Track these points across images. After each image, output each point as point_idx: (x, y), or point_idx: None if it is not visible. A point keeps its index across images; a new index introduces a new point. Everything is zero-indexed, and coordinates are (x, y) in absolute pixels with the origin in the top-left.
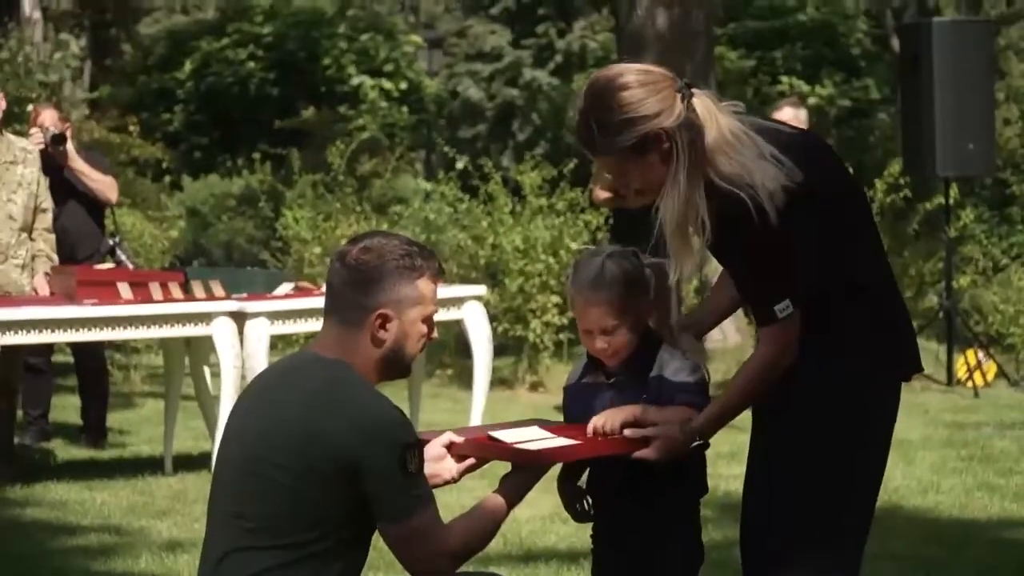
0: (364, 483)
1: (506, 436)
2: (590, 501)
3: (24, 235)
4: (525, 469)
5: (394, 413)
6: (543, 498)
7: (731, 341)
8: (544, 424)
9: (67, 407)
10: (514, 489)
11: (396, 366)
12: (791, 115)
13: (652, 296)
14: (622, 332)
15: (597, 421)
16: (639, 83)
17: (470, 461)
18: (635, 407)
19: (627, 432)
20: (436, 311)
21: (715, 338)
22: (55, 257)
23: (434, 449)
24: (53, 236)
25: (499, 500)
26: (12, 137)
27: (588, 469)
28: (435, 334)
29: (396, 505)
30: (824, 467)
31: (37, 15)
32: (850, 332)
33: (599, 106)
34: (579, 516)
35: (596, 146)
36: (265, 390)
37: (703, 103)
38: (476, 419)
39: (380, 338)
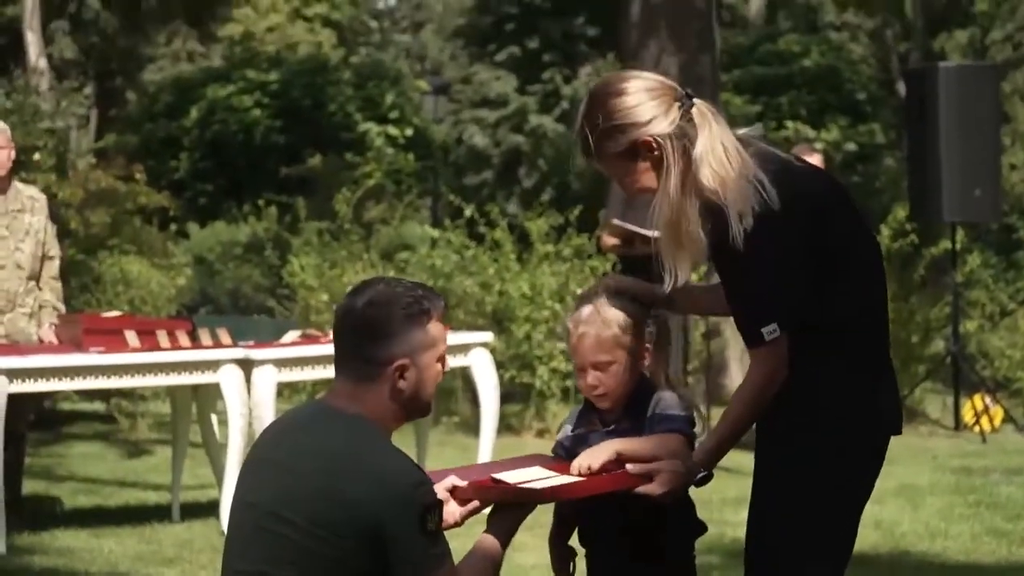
0: (385, 545)
1: (509, 477)
2: (575, 566)
3: (32, 283)
4: (513, 506)
5: (415, 474)
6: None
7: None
8: (546, 462)
9: (74, 455)
10: (506, 526)
11: (416, 409)
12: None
13: (650, 342)
14: (614, 371)
15: (581, 462)
16: (636, 90)
17: (473, 505)
18: (616, 442)
19: (630, 467)
20: (446, 350)
21: (723, 384)
22: (61, 307)
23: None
24: (60, 285)
25: (493, 541)
26: (20, 185)
27: (579, 524)
28: (447, 368)
29: (417, 566)
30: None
31: (43, 64)
32: (828, 391)
33: (595, 112)
34: None
35: (591, 151)
36: (281, 448)
37: (701, 114)
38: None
39: (399, 388)
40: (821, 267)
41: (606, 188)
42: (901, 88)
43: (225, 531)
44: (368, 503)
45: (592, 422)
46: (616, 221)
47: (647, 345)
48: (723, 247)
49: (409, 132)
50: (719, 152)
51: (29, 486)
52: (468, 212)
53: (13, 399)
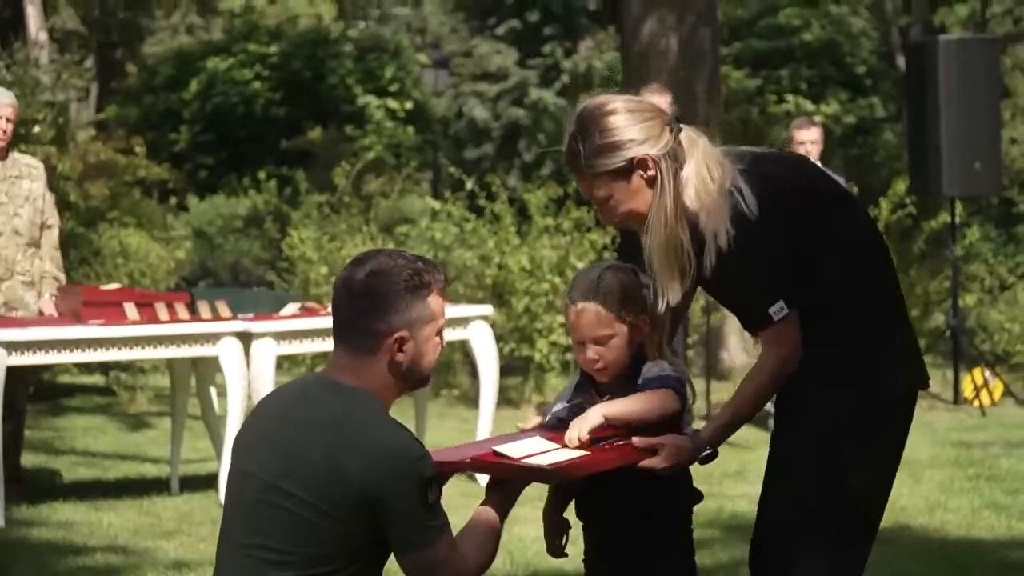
0: (385, 518)
1: (511, 450)
2: (569, 538)
3: (31, 250)
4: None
5: (415, 448)
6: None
7: (737, 361)
8: (544, 433)
9: (74, 428)
10: (505, 497)
11: (415, 381)
12: (807, 134)
13: (648, 315)
14: (615, 344)
15: (571, 434)
16: (627, 110)
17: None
18: (601, 406)
19: (635, 440)
20: (444, 324)
21: (722, 358)
22: (62, 277)
23: None
24: (59, 255)
25: (493, 514)
26: (17, 154)
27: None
28: (445, 342)
29: (416, 539)
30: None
31: (43, 36)
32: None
33: (587, 128)
34: (555, 549)
35: (582, 167)
36: (280, 420)
37: (689, 139)
38: (482, 438)
39: (398, 360)
40: (812, 252)
41: None
42: (901, 62)
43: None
44: (368, 476)
45: (590, 394)
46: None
47: (644, 317)
48: (711, 265)
49: (409, 105)
50: (703, 174)
51: (28, 459)
52: (468, 185)
53: (12, 372)
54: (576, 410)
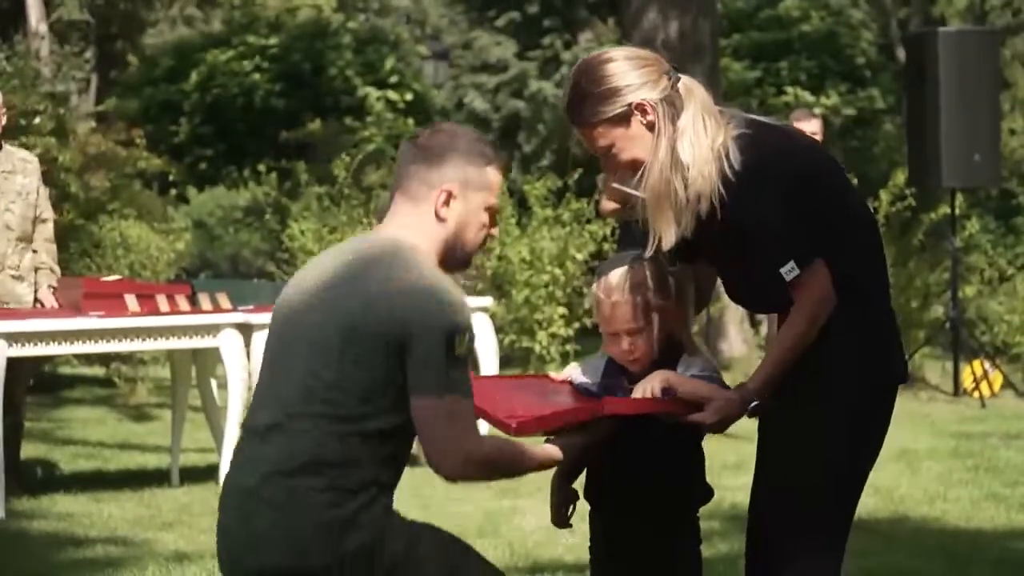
0: (410, 356)
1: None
2: (576, 509)
3: (23, 245)
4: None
5: (454, 294)
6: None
7: (736, 351)
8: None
9: (74, 419)
10: (567, 441)
11: (457, 252)
12: (806, 126)
13: (676, 298)
14: (648, 335)
15: (640, 390)
16: (625, 58)
17: None
18: (662, 372)
19: (681, 392)
20: (499, 208)
21: (721, 349)
22: (57, 269)
23: None
24: (55, 247)
25: (538, 448)
26: (11, 148)
27: (584, 473)
28: (496, 232)
29: (431, 382)
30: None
31: (43, 28)
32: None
33: (586, 79)
34: (561, 520)
35: (583, 117)
36: (328, 269)
37: (687, 88)
38: (482, 431)
39: (442, 215)
40: (811, 226)
41: None
42: (901, 53)
43: None
44: (401, 317)
45: (619, 380)
46: (615, 185)
47: (672, 301)
48: (706, 225)
49: (409, 97)
50: (699, 127)
51: (28, 450)
52: None
53: (12, 363)
54: (607, 389)
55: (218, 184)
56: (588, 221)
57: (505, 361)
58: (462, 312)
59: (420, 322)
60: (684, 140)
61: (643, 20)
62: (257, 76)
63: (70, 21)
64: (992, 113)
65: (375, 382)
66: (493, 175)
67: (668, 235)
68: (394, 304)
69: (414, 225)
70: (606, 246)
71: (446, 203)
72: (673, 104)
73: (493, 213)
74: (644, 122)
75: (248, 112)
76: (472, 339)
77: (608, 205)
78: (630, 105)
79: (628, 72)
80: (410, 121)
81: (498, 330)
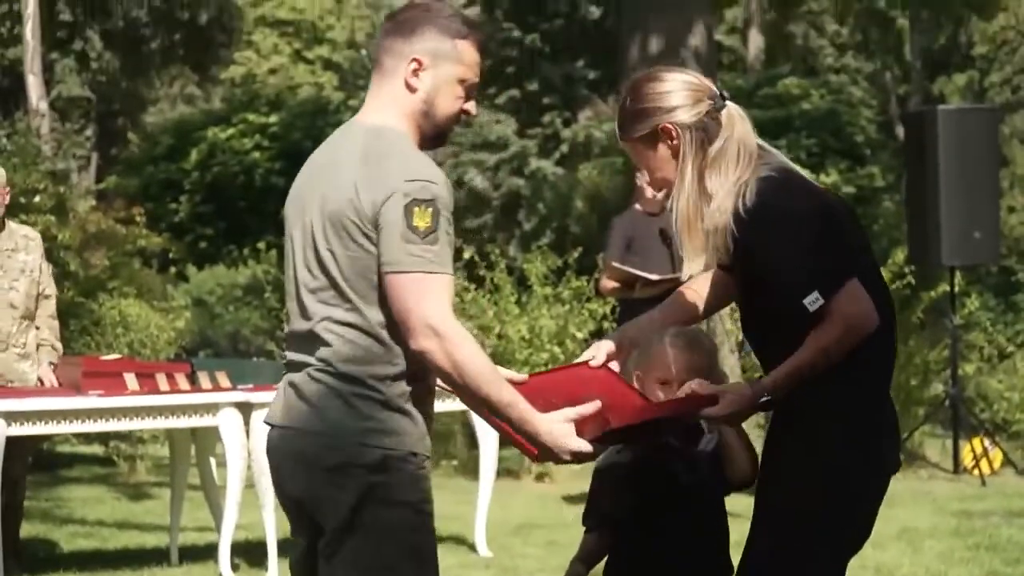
0: (378, 234)
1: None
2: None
3: (26, 323)
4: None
5: (424, 169)
6: (552, 554)
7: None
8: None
9: (73, 498)
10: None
11: (430, 123)
12: None
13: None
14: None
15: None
16: (672, 79)
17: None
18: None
19: (696, 387)
20: (476, 83)
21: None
22: (59, 346)
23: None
24: (57, 324)
25: (520, 398)
26: (15, 225)
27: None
28: (472, 108)
29: (392, 258)
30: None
31: (44, 106)
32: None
33: (630, 96)
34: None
35: (622, 131)
36: (315, 163)
37: (730, 116)
38: (483, 510)
39: (413, 85)
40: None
41: (605, 231)
42: (900, 131)
43: (223, 574)
44: (370, 198)
45: None
46: (616, 264)
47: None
48: (736, 253)
49: None
50: (729, 157)
51: (27, 529)
52: (468, 254)
53: (11, 442)
54: None
55: (218, 262)
56: (588, 299)
57: (505, 440)
58: (423, 185)
59: (381, 200)
60: (712, 170)
61: None
62: (257, 154)
63: (71, 98)
64: (992, 191)
65: (368, 267)
66: (466, 48)
67: (695, 262)
68: (366, 196)
69: (387, 98)
70: (606, 324)
71: (415, 73)
72: (705, 131)
73: (468, 89)
74: (669, 146)
75: (248, 190)
76: (437, 213)
77: (608, 283)
78: (657, 127)
79: (666, 94)
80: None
81: None
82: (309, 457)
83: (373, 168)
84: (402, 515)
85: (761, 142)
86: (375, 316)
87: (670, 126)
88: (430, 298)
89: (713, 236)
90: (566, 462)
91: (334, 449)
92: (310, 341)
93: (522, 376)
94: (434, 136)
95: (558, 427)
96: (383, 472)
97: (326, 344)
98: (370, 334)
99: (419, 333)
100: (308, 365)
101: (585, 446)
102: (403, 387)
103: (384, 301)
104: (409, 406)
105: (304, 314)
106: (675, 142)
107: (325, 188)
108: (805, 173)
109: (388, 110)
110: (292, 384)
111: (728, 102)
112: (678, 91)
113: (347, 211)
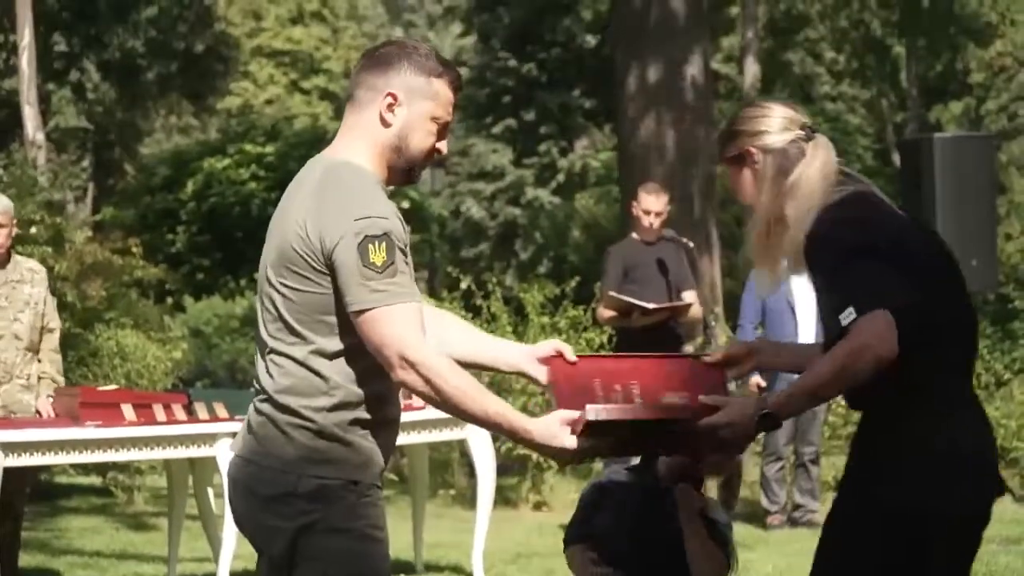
0: (335, 275)
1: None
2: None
3: (30, 355)
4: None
5: (373, 206)
6: None
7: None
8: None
9: (71, 529)
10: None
11: (402, 159)
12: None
13: None
14: None
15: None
16: (766, 107)
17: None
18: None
19: (701, 397)
20: (448, 122)
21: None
22: (60, 379)
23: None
24: (59, 357)
25: (509, 408)
26: (19, 257)
27: None
28: (444, 148)
29: (356, 298)
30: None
31: (40, 137)
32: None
33: (730, 119)
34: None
35: (719, 150)
36: (284, 198)
37: (815, 146)
38: (481, 539)
39: (387, 120)
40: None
41: (602, 260)
42: (897, 159)
43: None
44: (318, 234)
45: None
46: (613, 293)
47: None
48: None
49: (406, 204)
50: (812, 182)
51: (26, 560)
52: (465, 284)
53: (9, 473)
54: None
55: (215, 293)
56: (585, 328)
57: (502, 469)
58: (373, 222)
59: (332, 242)
60: (790, 197)
61: (640, 127)
62: (254, 184)
63: (67, 129)
64: (989, 218)
65: (325, 306)
66: (441, 87)
67: (764, 285)
68: (322, 227)
69: (359, 131)
70: (603, 353)
71: (390, 108)
72: (787, 157)
73: (442, 127)
74: (752, 168)
75: (245, 220)
76: (392, 246)
77: (606, 313)
78: (742, 150)
79: (756, 119)
80: (407, 228)
81: (494, 437)
82: (251, 486)
83: (322, 203)
84: (342, 543)
85: (847, 169)
86: (324, 348)
87: (754, 149)
88: (397, 329)
89: (791, 264)
90: (566, 460)
91: (272, 480)
92: (260, 373)
93: (572, 357)
94: (404, 171)
95: (548, 427)
96: (320, 501)
97: (269, 376)
98: (306, 366)
99: (395, 366)
100: (257, 395)
101: (574, 442)
102: (341, 417)
103: (343, 334)
104: (350, 436)
105: (260, 346)
106: (756, 166)
107: (281, 222)
108: None
109: (358, 143)
110: (248, 415)
111: (818, 134)
112: (768, 118)
113: (294, 243)
